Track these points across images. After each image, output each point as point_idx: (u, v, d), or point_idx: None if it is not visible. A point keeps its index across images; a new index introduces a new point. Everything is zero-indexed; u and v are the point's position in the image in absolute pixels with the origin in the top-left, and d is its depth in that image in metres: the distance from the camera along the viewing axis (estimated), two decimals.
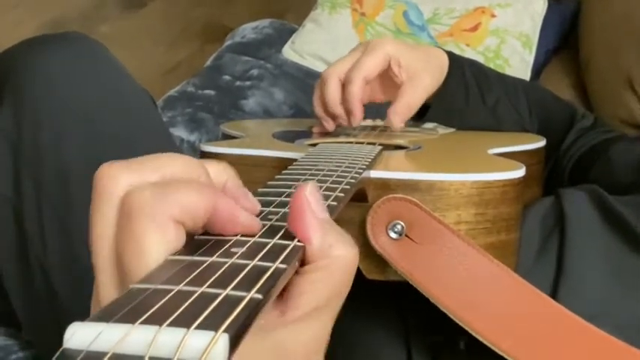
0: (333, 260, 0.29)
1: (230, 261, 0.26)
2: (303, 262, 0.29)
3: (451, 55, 0.79)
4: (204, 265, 0.26)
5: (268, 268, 0.26)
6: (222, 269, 0.25)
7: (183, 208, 0.27)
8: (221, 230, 0.29)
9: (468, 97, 0.80)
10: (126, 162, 0.30)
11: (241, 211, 0.29)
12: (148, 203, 0.27)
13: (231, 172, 0.33)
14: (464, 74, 0.79)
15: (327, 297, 0.28)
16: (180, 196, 0.28)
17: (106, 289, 0.28)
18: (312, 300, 0.28)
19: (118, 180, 0.29)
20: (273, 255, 0.27)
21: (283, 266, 0.26)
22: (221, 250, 0.27)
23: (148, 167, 0.29)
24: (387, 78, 0.74)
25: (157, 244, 0.27)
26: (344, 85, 0.73)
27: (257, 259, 0.26)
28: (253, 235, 0.29)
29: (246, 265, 0.26)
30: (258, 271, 0.25)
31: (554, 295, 0.56)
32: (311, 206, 0.29)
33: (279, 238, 0.29)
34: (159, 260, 0.26)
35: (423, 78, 0.74)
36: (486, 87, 0.81)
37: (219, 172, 0.32)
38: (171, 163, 0.30)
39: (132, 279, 0.26)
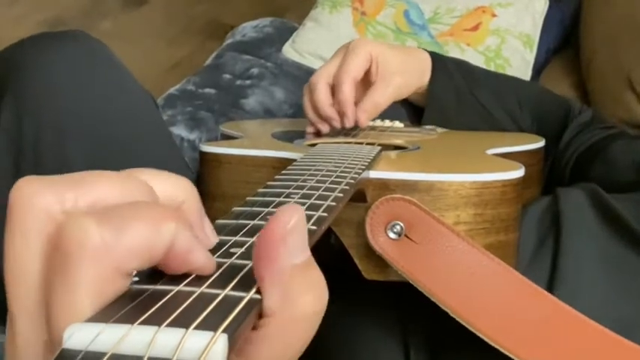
0: (292, 313, 0.23)
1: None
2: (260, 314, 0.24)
3: (434, 56, 0.80)
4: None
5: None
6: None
7: (136, 253, 0.22)
8: (165, 267, 0.24)
9: (458, 98, 0.80)
10: (49, 179, 0.24)
11: (198, 251, 0.24)
12: (94, 248, 0.22)
13: (192, 191, 0.27)
14: (452, 76, 0.80)
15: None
16: (133, 238, 0.22)
17: (29, 343, 0.23)
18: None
19: (42, 199, 0.23)
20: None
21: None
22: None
23: (69, 187, 0.24)
24: (366, 77, 0.75)
25: (92, 300, 0.22)
26: (333, 88, 0.74)
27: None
28: (206, 275, 0.24)
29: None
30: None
31: None
32: (288, 247, 0.23)
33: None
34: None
35: (393, 78, 0.75)
36: (475, 86, 0.82)
37: (175, 190, 0.26)
38: (102, 185, 0.24)
39: (56, 334, 0.21)
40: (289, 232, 0.23)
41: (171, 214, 0.23)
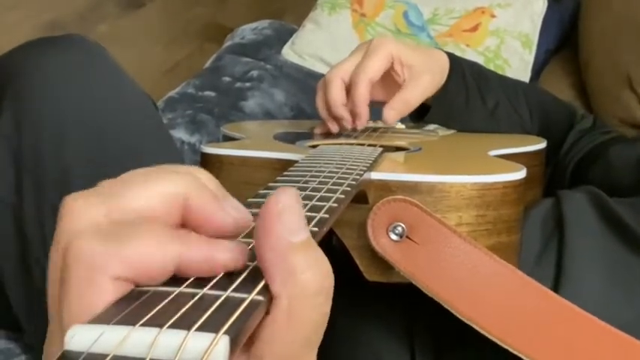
0: (296, 295, 0.24)
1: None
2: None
3: (451, 57, 0.79)
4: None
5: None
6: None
7: (132, 265, 0.23)
8: (198, 275, 0.25)
9: (468, 99, 0.80)
10: (94, 193, 0.26)
11: (219, 252, 0.25)
12: (90, 258, 0.23)
13: (195, 183, 0.27)
14: (464, 76, 0.79)
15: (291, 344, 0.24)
16: (132, 250, 0.23)
17: (54, 343, 0.25)
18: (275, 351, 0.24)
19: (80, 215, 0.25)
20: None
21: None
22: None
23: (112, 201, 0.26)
24: (388, 77, 0.74)
25: (89, 308, 0.23)
26: (348, 88, 0.73)
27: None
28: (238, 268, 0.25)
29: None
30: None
31: None
32: (283, 223, 0.24)
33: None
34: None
35: (423, 77, 0.74)
36: (486, 88, 0.81)
37: (176, 188, 0.27)
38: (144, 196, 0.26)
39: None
40: (283, 210, 0.24)
41: (173, 239, 0.24)
